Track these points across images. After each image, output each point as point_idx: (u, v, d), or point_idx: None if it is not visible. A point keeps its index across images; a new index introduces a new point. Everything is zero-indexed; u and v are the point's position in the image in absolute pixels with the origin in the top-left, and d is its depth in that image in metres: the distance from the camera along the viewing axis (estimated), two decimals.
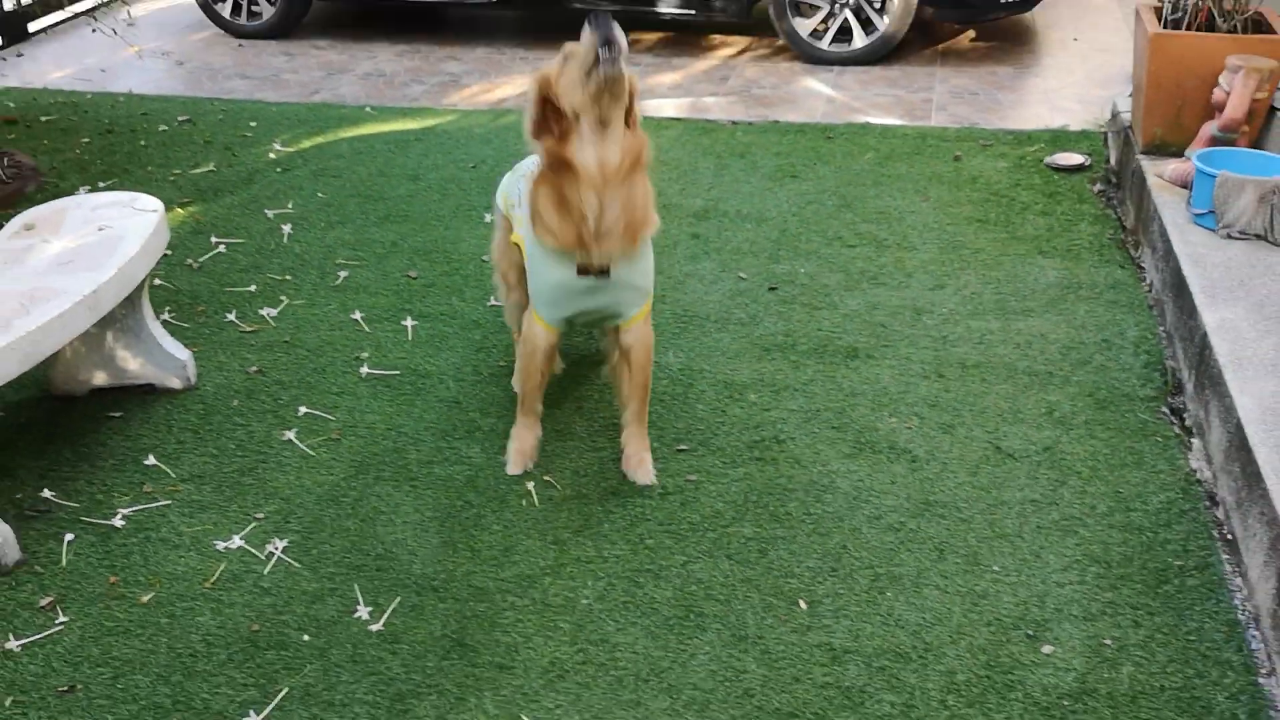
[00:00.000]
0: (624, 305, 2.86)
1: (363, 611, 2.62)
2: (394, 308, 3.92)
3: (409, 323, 3.82)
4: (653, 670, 2.45)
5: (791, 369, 3.53)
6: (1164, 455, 3.08)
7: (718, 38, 6.92)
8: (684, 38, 6.93)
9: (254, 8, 7.03)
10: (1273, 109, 4.19)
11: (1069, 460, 3.07)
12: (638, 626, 2.57)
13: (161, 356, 3.44)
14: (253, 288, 4.06)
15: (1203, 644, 2.46)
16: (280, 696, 2.40)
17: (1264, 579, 2.49)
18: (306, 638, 2.55)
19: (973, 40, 6.80)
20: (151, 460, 3.15)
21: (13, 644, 2.55)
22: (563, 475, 3.07)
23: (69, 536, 2.87)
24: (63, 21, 7.21)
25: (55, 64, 6.73)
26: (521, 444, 3.12)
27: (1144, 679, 2.38)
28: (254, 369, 3.58)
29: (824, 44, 6.35)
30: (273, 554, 2.80)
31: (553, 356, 3.04)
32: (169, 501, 3.00)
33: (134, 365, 3.43)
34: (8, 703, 2.39)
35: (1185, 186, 3.94)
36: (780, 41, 6.54)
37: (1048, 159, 4.93)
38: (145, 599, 2.68)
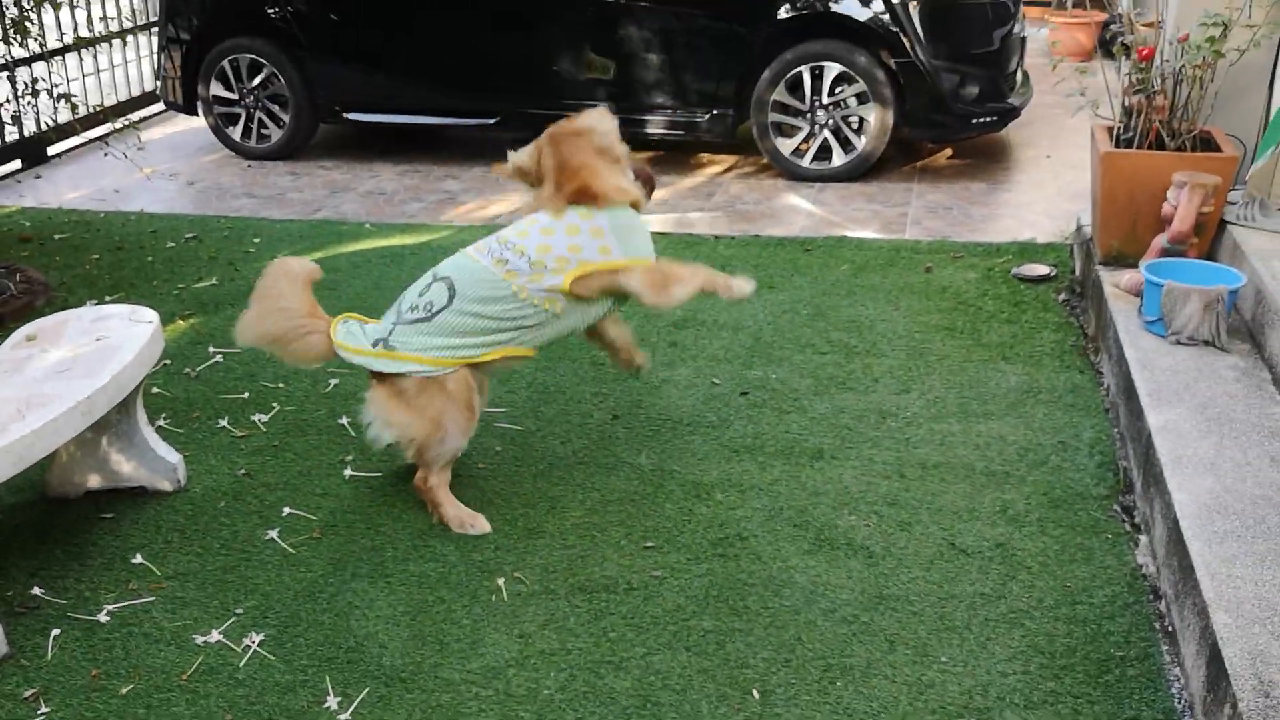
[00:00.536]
0: None
1: (332, 702, 2.73)
2: None
3: None
4: None
5: (758, 470, 3.66)
6: (1113, 551, 3.19)
7: (705, 156, 7.21)
8: (672, 156, 7.22)
9: (263, 130, 7.36)
10: (1223, 222, 4.38)
11: (1020, 556, 3.19)
12: (596, 716, 2.67)
13: (153, 460, 3.59)
14: (246, 395, 4.23)
15: None
16: None
17: (1196, 668, 2.58)
18: None
19: (949, 158, 7.07)
20: (139, 559, 3.29)
21: None
22: (532, 571, 3.19)
23: (55, 631, 2.99)
24: (80, 146, 7.55)
25: (71, 185, 7.04)
26: None
27: None
28: (242, 471, 3.73)
29: (805, 162, 6.62)
30: (249, 647, 2.92)
31: None
32: (153, 598, 3.13)
33: (127, 468, 3.59)
34: None
35: (1139, 295, 4.12)
36: (764, 160, 6.82)
37: (1015, 270, 5.13)
38: (125, 691, 2.79)
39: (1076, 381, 4.15)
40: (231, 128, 7.40)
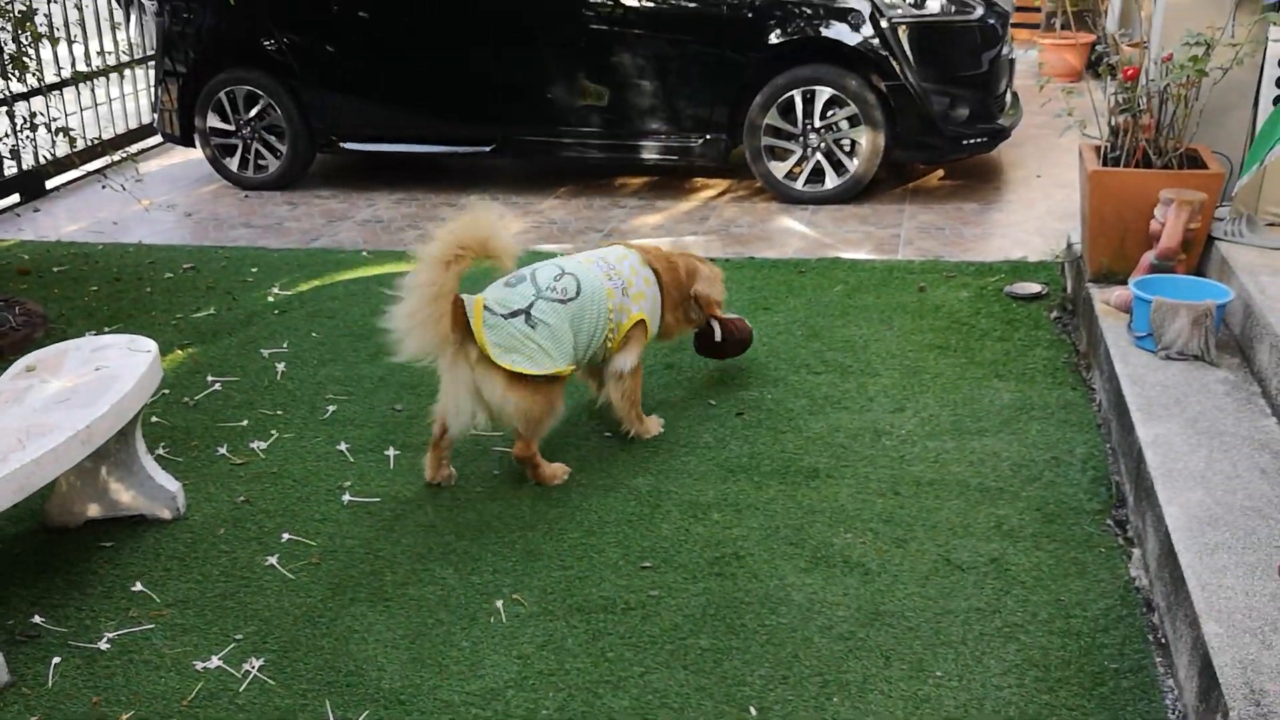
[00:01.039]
0: None
1: None
2: (378, 439, 4.11)
3: (391, 453, 4.00)
4: None
5: (754, 489, 3.69)
6: (1106, 565, 3.22)
7: (699, 180, 7.27)
8: (667, 181, 7.28)
9: (260, 161, 7.42)
10: (1211, 238, 4.43)
11: (1014, 571, 3.21)
12: None
13: (152, 488, 3.62)
14: (245, 423, 4.26)
15: None
16: None
17: (1189, 679, 2.60)
18: None
19: (941, 179, 7.13)
20: (139, 586, 3.31)
21: None
22: (530, 593, 3.21)
23: (56, 659, 3.01)
24: (78, 179, 7.61)
25: (70, 218, 7.09)
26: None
27: None
28: (241, 499, 3.76)
29: (798, 185, 6.68)
30: (249, 672, 2.94)
31: None
32: (153, 625, 3.14)
33: (126, 497, 3.61)
34: None
35: (1128, 312, 4.15)
36: (757, 183, 6.87)
37: (1007, 288, 5.17)
38: (125, 718, 2.80)
39: (1069, 398, 4.18)
40: (229, 159, 7.45)
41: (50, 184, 7.59)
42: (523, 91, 6.91)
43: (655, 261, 4.04)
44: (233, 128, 7.34)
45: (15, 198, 7.38)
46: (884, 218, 6.42)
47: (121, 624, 3.15)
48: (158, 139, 8.52)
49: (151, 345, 3.66)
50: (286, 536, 3.53)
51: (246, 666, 2.95)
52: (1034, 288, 5.12)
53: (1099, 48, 4.73)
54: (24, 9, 5.68)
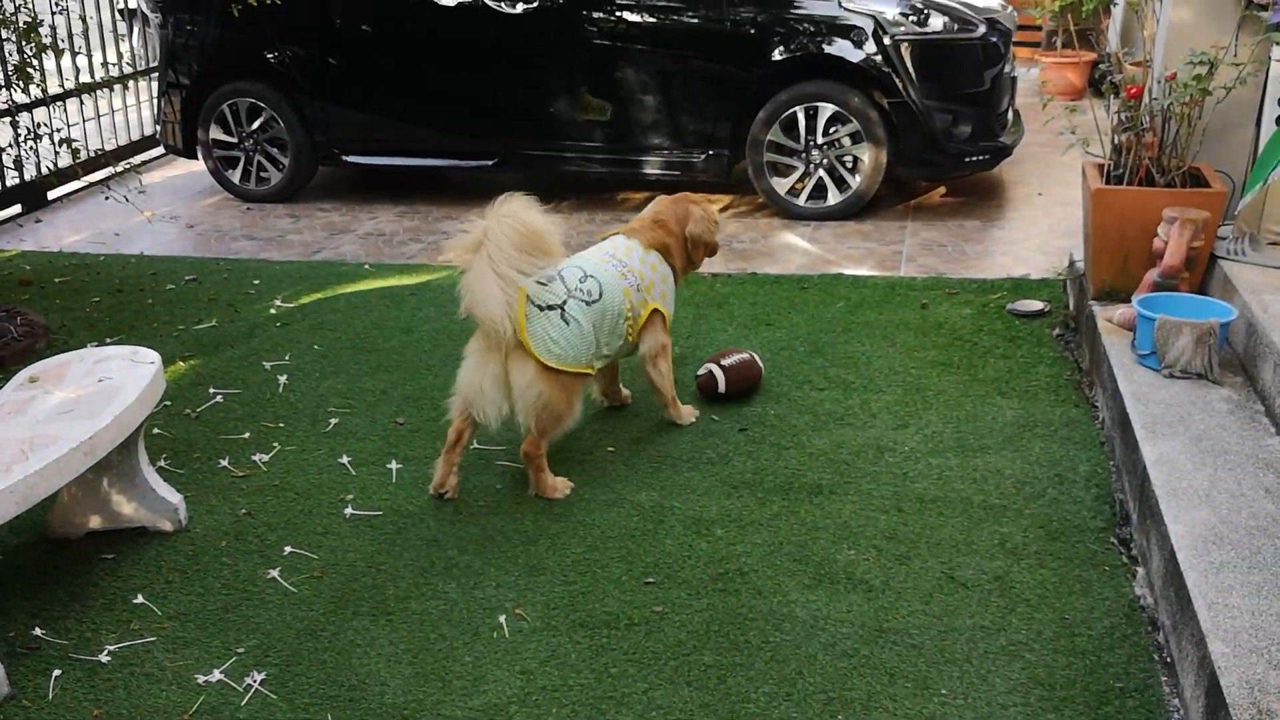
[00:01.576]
0: None
1: None
2: (381, 452, 4.10)
3: (394, 466, 3.99)
4: None
5: (758, 505, 3.68)
6: (1110, 583, 3.21)
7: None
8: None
9: (262, 173, 7.42)
10: (1214, 256, 4.43)
11: (1019, 588, 3.20)
12: None
13: (154, 500, 3.61)
14: (247, 435, 4.25)
15: None
16: None
17: (1195, 698, 2.60)
18: None
19: (943, 196, 7.14)
20: (140, 599, 3.30)
21: None
22: (534, 608, 3.20)
23: (56, 672, 3.00)
24: (80, 190, 7.61)
25: (71, 229, 7.09)
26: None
27: None
28: (243, 511, 3.75)
29: (801, 201, 6.69)
30: (251, 686, 2.92)
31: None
32: (154, 638, 3.13)
33: (128, 509, 3.60)
34: None
35: (1132, 330, 4.15)
36: (760, 199, 6.88)
37: (1009, 306, 5.17)
38: None
39: (1072, 415, 4.18)
40: (231, 171, 7.46)
41: (52, 195, 7.60)
42: (526, 106, 6.93)
43: (655, 241, 4.16)
44: (235, 140, 7.35)
45: (17, 208, 7.38)
46: (886, 234, 6.43)
47: (123, 637, 3.14)
48: (160, 150, 8.53)
49: (154, 357, 3.66)
50: (288, 549, 3.52)
51: (248, 680, 2.94)
52: (1036, 305, 5.13)
53: (1101, 66, 4.74)
54: (29, 20, 5.69)
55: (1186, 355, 3.84)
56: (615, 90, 6.77)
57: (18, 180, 7.27)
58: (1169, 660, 2.86)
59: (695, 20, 6.56)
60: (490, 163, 7.09)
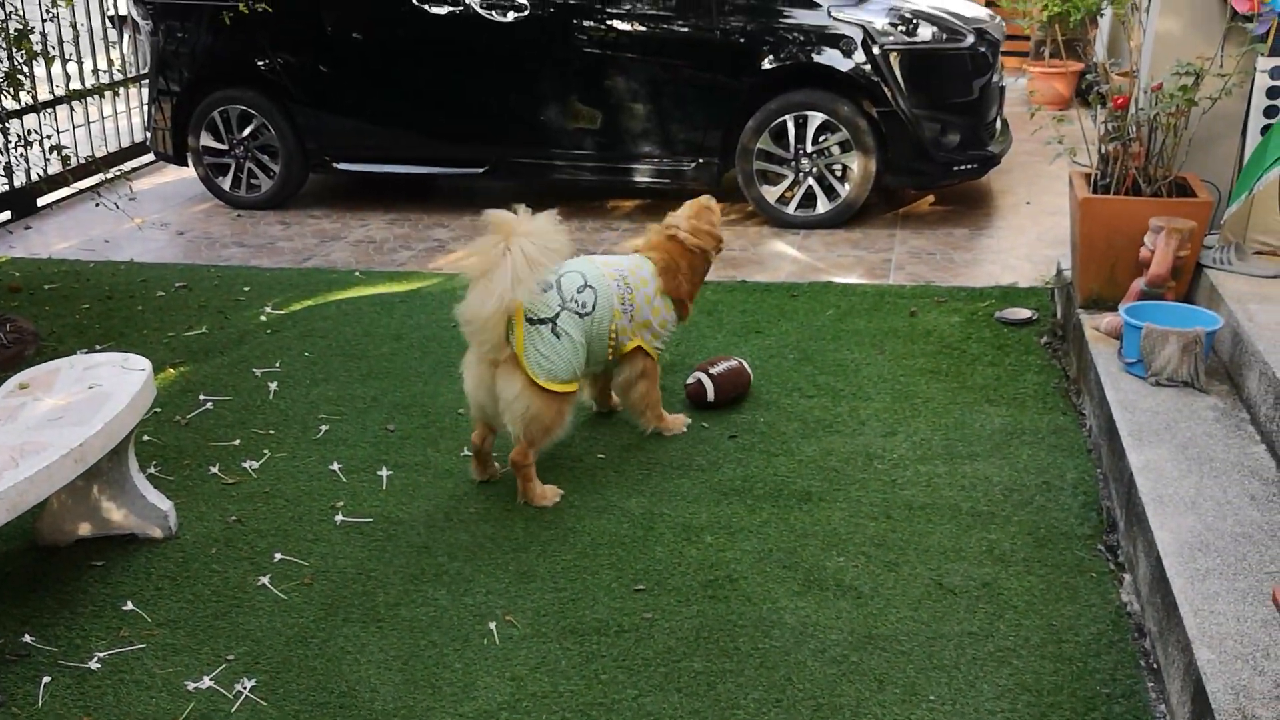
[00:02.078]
0: None
1: None
2: (371, 459, 4.11)
3: (384, 473, 4.00)
4: None
5: (747, 512, 3.70)
6: (1097, 590, 3.23)
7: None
8: (660, 204, 7.29)
9: (253, 181, 7.42)
10: (1199, 265, 4.47)
11: (1007, 595, 3.22)
12: None
13: (144, 507, 3.61)
14: (237, 442, 4.25)
15: None
16: None
17: (1181, 704, 2.62)
18: None
19: (932, 204, 7.18)
20: (130, 606, 3.29)
21: None
22: (523, 615, 3.21)
23: (46, 679, 3.00)
24: (70, 196, 7.60)
25: (61, 235, 7.08)
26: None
27: None
28: (233, 518, 3.75)
29: (790, 209, 6.71)
30: (240, 693, 2.92)
31: None
32: (144, 645, 3.13)
33: (117, 516, 3.60)
34: None
35: (1119, 338, 4.18)
36: (750, 208, 6.91)
37: (998, 314, 5.20)
38: None
39: (1059, 423, 4.20)
40: (221, 178, 7.46)
41: (42, 201, 7.58)
42: (516, 114, 6.95)
43: (666, 263, 4.13)
44: (226, 147, 7.35)
45: (7, 214, 7.37)
46: (875, 242, 6.45)
47: (112, 643, 3.14)
48: (150, 157, 8.51)
49: (145, 364, 3.66)
50: (279, 556, 3.52)
51: (238, 687, 2.94)
52: (1024, 313, 5.16)
53: (1089, 76, 4.78)
54: (19, 27, 5.69)
55: (1173, 363, 3.87)
56: (605, 98, 6.79)
57: (7, 187, 7.26)
58: (1155, 666, 2.89)
59: (685, 29, 6.59)
60: (481, 170, 7.10)
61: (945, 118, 6.49)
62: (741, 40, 6.49)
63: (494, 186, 7.73)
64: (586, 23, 6.70)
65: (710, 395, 4.37)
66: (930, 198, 7.28)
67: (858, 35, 6.37)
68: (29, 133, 6.04)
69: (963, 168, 6.63)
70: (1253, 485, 3.27)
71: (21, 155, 6.21)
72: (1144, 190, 4.51)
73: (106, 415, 3.30)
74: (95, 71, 7.03)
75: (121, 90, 8.48)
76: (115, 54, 8.50)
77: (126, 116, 8.68)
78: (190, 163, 7.51)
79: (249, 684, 2.95)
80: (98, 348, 5.12)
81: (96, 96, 6.81)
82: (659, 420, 4.18)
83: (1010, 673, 2.90)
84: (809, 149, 6.54)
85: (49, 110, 7.40)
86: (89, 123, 8.10)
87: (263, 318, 5.48)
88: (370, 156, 7.27)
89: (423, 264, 6.35)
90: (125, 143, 8.57)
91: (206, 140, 7.36)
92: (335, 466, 4.05)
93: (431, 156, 7.20)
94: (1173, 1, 4.64)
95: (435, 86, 7.01)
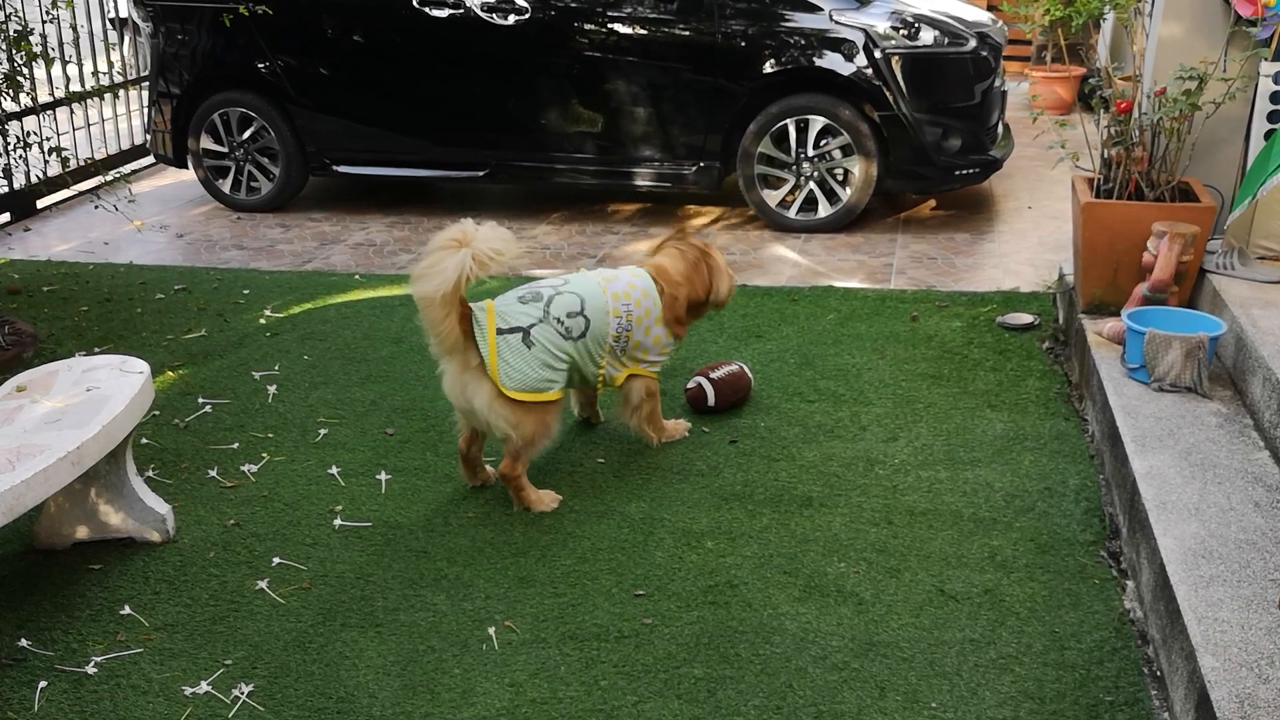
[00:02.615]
0: None
1: None
2: (370, 463, 4.09)
3: (383, 477, 3.98)
4: None
5: (748, 517, 3.68)
6: (1100, 596, 3.21)
7: (692, 208, 7.28)
8: (660, 208, 7.29)
9: (253, 183, 7.41)
10: (1202, 271, 4.45)
11: (1009, 602, 3.20)
12: None
13: (142, 511, 3.59)
14: (235, 445, 4.23)
15: None
16: None
17: (1185, 712, 2.60)
18: None
19: (933, 209, 7.16)
20: (127, 610, 3.27)
21: None
22: (523, 620, 3.19)
23: (42, 683, 2.98)
24: (70, 198, 7.59)
25: (61, 237, 7.07)
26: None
27: None
28: (232, 522, 3.73)
29: (791, 213, 6.70)
30: (238, 698, 2.91)
31: None
32: (141, 649, 3.11)
33: (115, 519, 3.58)
34: None
35: (1121, 343, 4.17)
36: (750, 211, 6.89)
37: (999, 319, 5.18)
38: None
39: (1061, 428, 4.19)
40: (221, 180, 7.44)
41: (42, 203, 7.57)
42: (516, 117, 6.93)
43: (671, 285, 4.05)
44: (226, 149, 7.34)
45: (6, 216, 7.35)
46: (876, 247, 6.44)
47: (109, 648, 3.12)
48: (150, 160, 8.51)
49: (143, 366, 3.64)
50: (277, 560, 3.50)
51: (235, 692, 2.92)
52: (1026, 318, 5.14)
53: (1091, 81, 4.76)
54: (19, 28, 5.68)
55: (1176, 369, 3.85)
56: (606, 102, 6.78)
57: (7, 189, 7.24)
58: (1159, 674, 2.87)
59: (686, 33, 6.58)
60: (481, 174, 7.08)
61: (947, 122, 6.48)
62: (743, 44, 6.48)
63: (494, 190, 7.73)
64: (587, 26, 6.68)
65: (711, 400, 4.36)
66: (931, 202, 7.27)
67: (859, 39, 6.35)
68: (28, 135, 6.02)
69: (964, 172, 6.62)
70: (1257, 491, 3.25)
71: (21, 157, 6.20)
72: (1147, 195, 4.49)
73: (104, 418, 3.29)
74: (95, 74, 7.01)
75: (121, 92, 8.47)
76: (116, 56, 8.49)
77: (127, 119, 8.67)
78: (190, 165, 7.49)
79: (247, 689, 2.94)
80: (96, 350, 5.10)
81: (96, 99, 6.80)
82: (661, 432, 4.15)
83: (1012, 680, 2.88)
84: (810, 153, 6.53)
85: (49, 112, 7.39)
86: (89, 125, 8.09)
87: (262, 320, 5.46)
88: (370, 159, 7.26)
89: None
90: (125, 145, 8.56)
91: (206, 143, 7.34)
92: (334, 470, 4.03)
93: (432, 160, 7.18)
94: (1176, 6, 4.63)
95: (435, 89, 6.99)
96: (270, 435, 4.31)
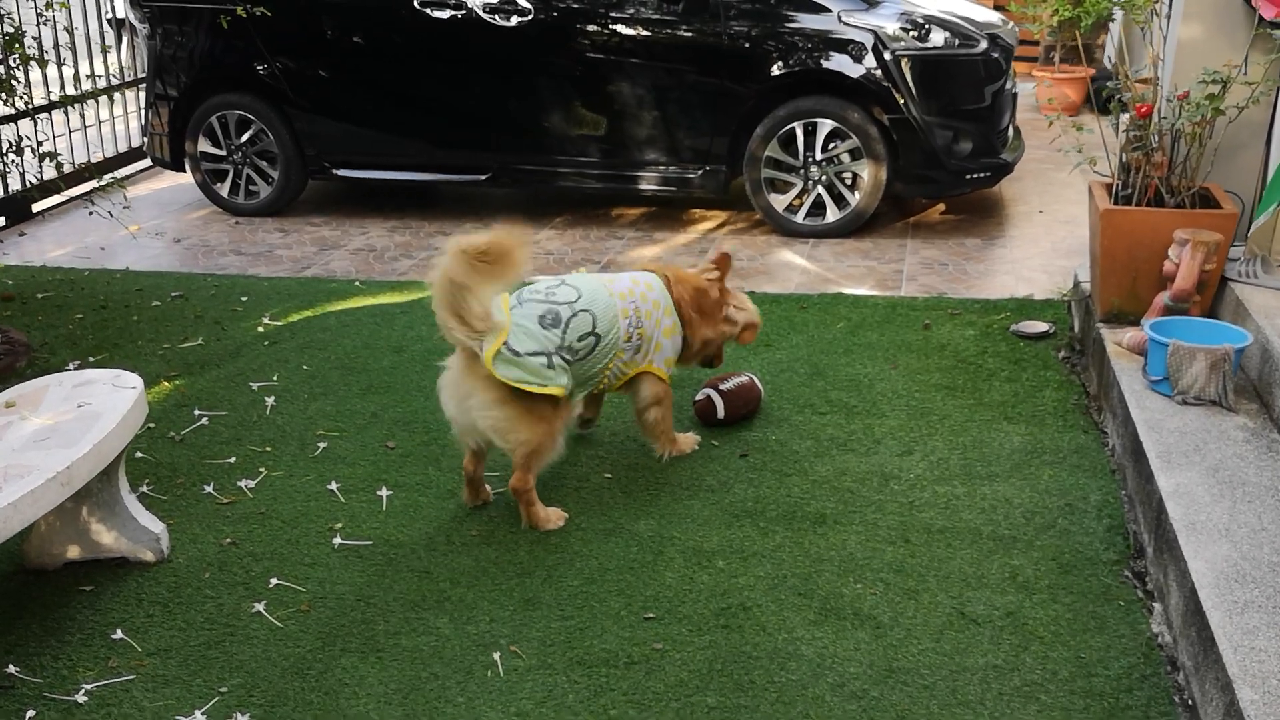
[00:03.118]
0: None
1: None
2: (370, 478, 3.98)
3: (384, 493, 3.87)
4: None
5: (760, 535, 3.57)
6: (1126, 620, 3.10)
7: (698, 212, 7.17)
8: (666, 212, 7.18)
9: (251, 187, 7.30)
10: (1224, 279, 4.34)
11: (1032, 625, 3.09)
12: None
13: (135, 530, 3.48)
14: (232, 459, 4.12)
15: None
16: None
17: None
18: None
19: (943, 213, 7.05)
20: (119, 634, 3.17)
21: None
22: (529, 644, 3.08)
23: (30, 712, 2.87)
24: (65, 203, 7.48)
25: (56, 243, 6.96)
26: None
27: None
28: (228, 541, 3.62)
29: (799, 218, 6.59)
30: None
31: None
32: (133, 676, 3.00)
33: (108, 539, 3.47)
34: None
35: (1142, 354, 4.05)
36: (757, 216, 6.78)
37: (1013, 327, 5.07)
38: None
39: (1080, 442, 4.07)
40: (219, 184, 7.34)
41: (36, 208, 7.46)
42: (519, 120, 6.82)
43: (685, 313, 3.99)
44: (224, 153, 7.23)
45: (1, 221, 7.24)
46: (886, 252, 6.33)
47: (100, 674, 3.01)
48: (147, 163, 8.40)
49: (137, 381, 3.53)
50: (274, 582, 3.39)
51: None
52: (1041, 326, 5.03)
53: (1109, 84, 4.65)
54: (12, 30, 5.57)
55: (1200, 382, 3.74)
56: (610, 105, 6.67)
57: (1, 193, 7.14)
58: (1190, 703, 2.76)
59: (691, 34, 6.46)
60: (483, 177, 6.97)
61: (957, 125, 6.37)
62: (749, 45, 6.37)
63: (497, 194, 7.61)
64: (590, 27, 6.57)
65: (720, 412, 4.25)
66: (941, 206, 7.16)
67: (868, 41, 6.24)
68: (22, 138, 5.91)
69: (975, 176, 6.51)
70: None
71: (14, 161, 6.09)
72: (1167, 201, 4.38)
73: (95, 436, 3.18)
74: (90, 76, 6.90)
75: (118, 95, 8.36)
76: (113, 58, 8.37)
77: (123, 121, 8.56)
78: (188, 168, 7.38)
79: (243, 718, 2.83)
80: (90, 360, 4.99)
81: (92, 101, 6.69)
82: (672, 444, 4.03)
83: (1038, 709, 2.77)
84: (818, 156, 6.42)
85: (43, 115, 7.27)
86: (85, 128, 7.98)
87: (260, 329, 5.35)
88: (370, 163, 7.15)
89: (424, 273, 6.21)
90: (121, 148, 8.45)
91: (204, 146, 7.23)
92: (333, 486, 3.92)
93: (433, 163, 7.07)
94: (1196, 7, 4.52)
95: (437, 91, 6.89)
96: (268, 449, 4.20)
